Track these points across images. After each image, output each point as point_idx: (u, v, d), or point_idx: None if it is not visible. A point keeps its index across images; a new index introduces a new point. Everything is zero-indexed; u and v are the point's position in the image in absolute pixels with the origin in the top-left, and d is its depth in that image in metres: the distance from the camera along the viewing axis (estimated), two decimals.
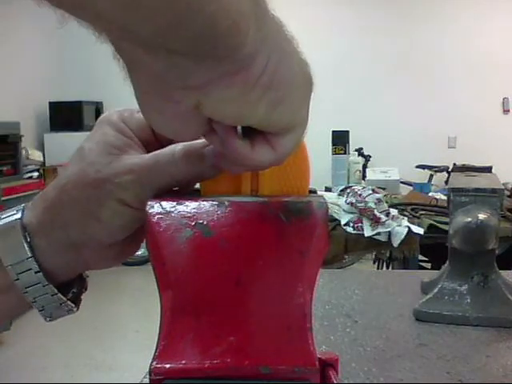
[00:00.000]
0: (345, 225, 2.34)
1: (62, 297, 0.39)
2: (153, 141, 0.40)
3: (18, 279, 0.37)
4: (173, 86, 0.27)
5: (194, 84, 0.26)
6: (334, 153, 3.22)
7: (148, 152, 0.38)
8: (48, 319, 0.40)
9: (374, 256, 2.94)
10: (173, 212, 0.33)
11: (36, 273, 0.37)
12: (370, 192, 2.39)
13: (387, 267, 2.88)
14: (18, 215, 0.38)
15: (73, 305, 0.40)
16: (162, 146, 0.38)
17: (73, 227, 0.37)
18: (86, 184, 0.37)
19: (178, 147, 0.37)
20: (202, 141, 0.37)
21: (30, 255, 0.37)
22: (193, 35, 0.24)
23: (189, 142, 0.37)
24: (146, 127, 0.39)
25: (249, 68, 0.27)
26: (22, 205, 0.39)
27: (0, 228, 0.38)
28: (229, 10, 0.23)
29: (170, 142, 0.38)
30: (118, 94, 5.44)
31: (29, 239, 0.37)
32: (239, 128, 0.32)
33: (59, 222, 0.38)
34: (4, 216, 0.39)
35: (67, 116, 5.30)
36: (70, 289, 0.41)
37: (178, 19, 0.23)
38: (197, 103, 0.27)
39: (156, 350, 0.30)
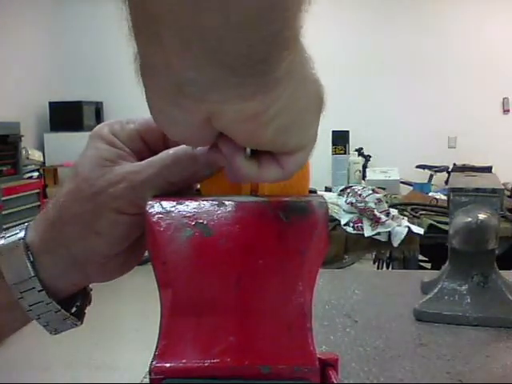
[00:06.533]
0: (345, 225, 2.34)
1: (65, 312, 0.40)
2: (145, 150, 0.40)
3: (21, 297, 0.38)
4: (189, 97, 0.25)
5: (211, 99, 0.25)
6: (334, 153, 3.23)
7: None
8: (53, 333, 0.41)
9: (373, 256, 2.94)
10: (173, 211, 0.33)
11: (39, 291, 0.38)
12: (370, 192, 2.39)
13: (387, 267, 2.88)
14: (22, 234, 0.39)
15: (76, 319, 0.41)
16: (155, 155, 0.38)
17: (74, 244, 0.38)
18: (82, 199, 0.37)
19: (170, 151, 0.37)
20: None
21: (32, 274, 0.38)
22: (260, 37, 0.23)
23: (180, 146, 0.37)
24: (136, 138, 0.40)
25: (268, 92, 0.25)
26: (26, 224, 0.40)
27: (4, 247, 0.39)
28: (293, 19, 0.23)
29: (163, 150, 0.38)
30: (118, 94, 5.48)
31: (32, 258, 0.38)
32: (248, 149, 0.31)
33: (61, 239, 0.38)
34: (8, 235, 0.39)
35: (67, 116, 5.31)
36: (74, 302, 0.41)
37: (259, 13, 0.22)
38: (209, 116, 0.27)
39: (156, 349, 0.30)
